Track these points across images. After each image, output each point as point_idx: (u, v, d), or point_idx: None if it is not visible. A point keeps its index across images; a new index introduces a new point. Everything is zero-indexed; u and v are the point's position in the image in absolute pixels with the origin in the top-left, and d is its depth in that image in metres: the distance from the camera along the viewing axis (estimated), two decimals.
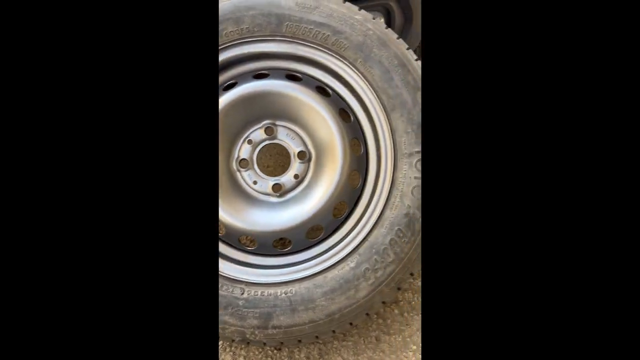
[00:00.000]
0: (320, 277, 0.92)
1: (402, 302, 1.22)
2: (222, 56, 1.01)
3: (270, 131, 1.06)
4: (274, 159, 1.43)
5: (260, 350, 1.10)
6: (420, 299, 1.24)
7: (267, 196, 1.06)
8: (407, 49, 0.97)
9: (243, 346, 1.11)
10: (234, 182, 1.05)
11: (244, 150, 1.06)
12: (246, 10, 0.97)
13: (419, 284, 1.27)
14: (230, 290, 0.91)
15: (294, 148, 1.06)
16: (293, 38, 0.99)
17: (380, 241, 0.92)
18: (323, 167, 1.04)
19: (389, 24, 1.33)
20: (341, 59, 0.99)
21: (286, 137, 1.06)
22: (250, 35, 0.99)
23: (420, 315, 1.18)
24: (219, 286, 0.92)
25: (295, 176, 1.05)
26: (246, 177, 1.06)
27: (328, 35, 0.98)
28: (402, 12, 1.32)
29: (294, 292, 0.91)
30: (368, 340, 1.13)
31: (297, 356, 1.10)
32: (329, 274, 0.92)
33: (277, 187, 1.05)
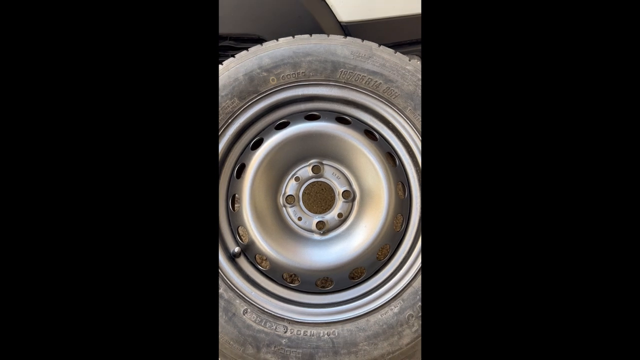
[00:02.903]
0: (363, 320, 0.92)
1: None
2: (277, 97, 1.05)
3: (317, 169, 1.09)
4: (318, 198, 1.46)
5: None
6: None
7: (310, 233, 1.07)
8: None
9: None
10: (280, 218, 1.08)
11: (290, 187, 1.09)
12: (304, 56, 1.03)
13: None
14: (274, 327, 0.92)
15: (338, 187, 1.08)
16: (346, 84, 1.04)
17: None
18: (366, 208, 1.06)
19: None
20: (391, 105, 1.03)
21: (332, 176, 1.09)
22: (307, 79, 1.04)
23: None
24: (262, 322, 0.93)
25: (339, 215, 1.07)
26: (291, 213, 1.08)
27: (380, 83, 1.02)
28: None
29: (336, 334, 0.91)
30: None
31: None
32: (372, 318, 0.92)
33: (320, 225, 1.07)
